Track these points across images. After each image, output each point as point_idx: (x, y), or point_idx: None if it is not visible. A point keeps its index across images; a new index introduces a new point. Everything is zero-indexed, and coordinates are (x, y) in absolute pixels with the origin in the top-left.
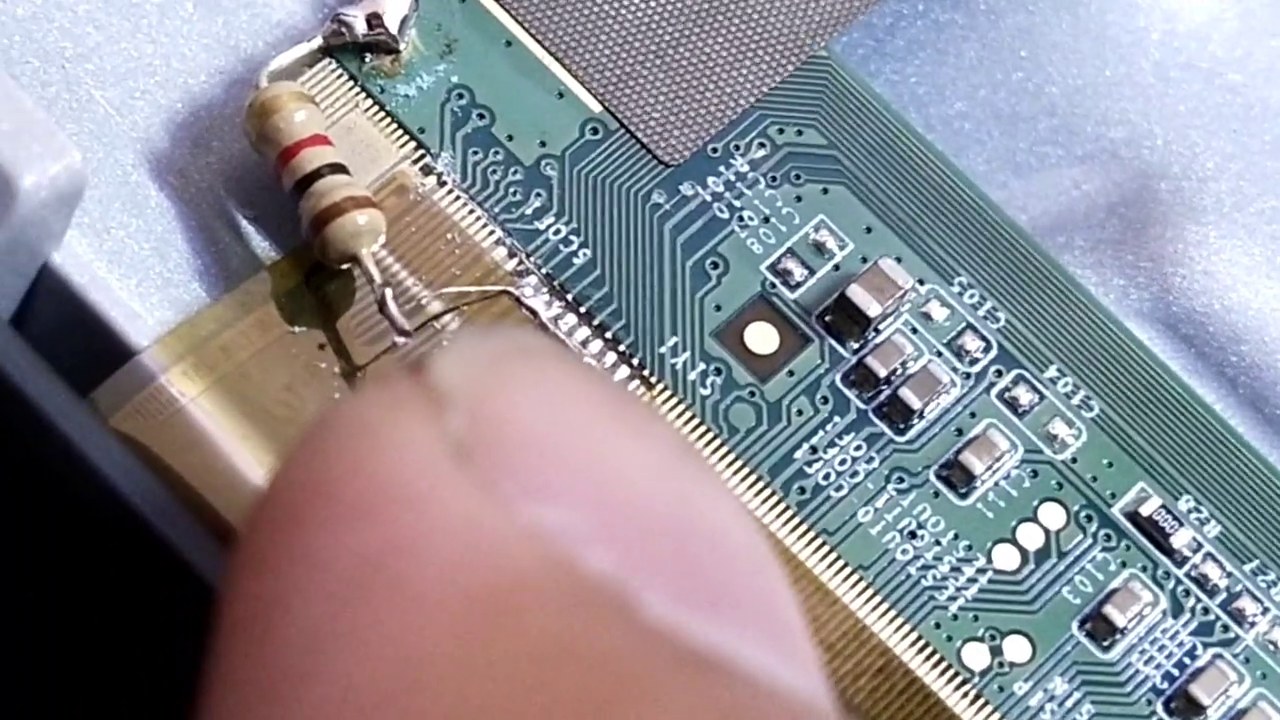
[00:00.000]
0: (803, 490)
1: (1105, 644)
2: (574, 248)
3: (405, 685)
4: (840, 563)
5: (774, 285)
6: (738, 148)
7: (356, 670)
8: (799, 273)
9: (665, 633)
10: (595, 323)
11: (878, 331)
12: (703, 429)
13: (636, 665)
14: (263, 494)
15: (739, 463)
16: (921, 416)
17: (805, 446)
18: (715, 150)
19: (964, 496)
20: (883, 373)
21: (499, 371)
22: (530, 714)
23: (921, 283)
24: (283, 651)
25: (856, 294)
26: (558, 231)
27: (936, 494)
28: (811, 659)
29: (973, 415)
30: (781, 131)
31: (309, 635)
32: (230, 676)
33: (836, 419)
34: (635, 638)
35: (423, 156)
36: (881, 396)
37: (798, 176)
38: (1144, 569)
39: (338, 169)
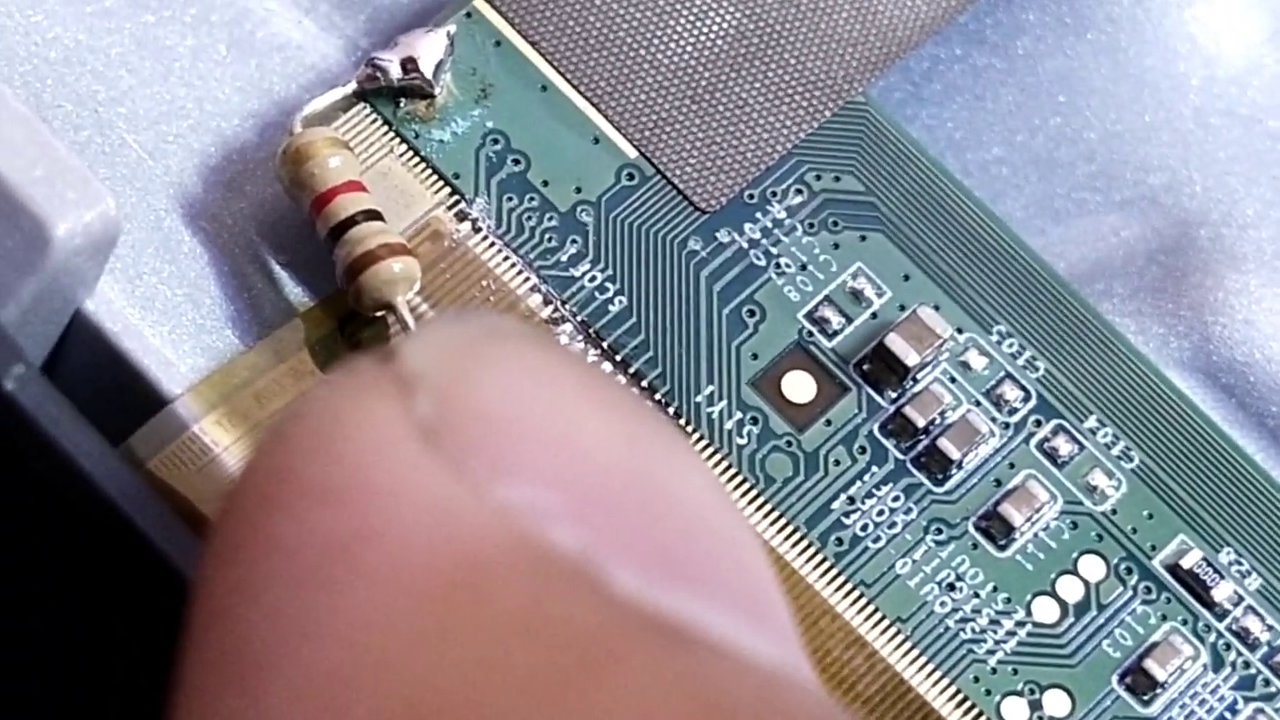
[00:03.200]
0: (840, 541)
1: (1145, 698)
2: (609, 295)
3: (367, 668)
4: (878, 615)
5: (811, 334)
6: (775, 194)
7: (319, 656)
8: (836, 321)
9: (633, 605)
10: (631, 370)
11: (916, 381)
12: (739, 479)
13: (602, 638)
14: (234, 483)
15: (776, 513)
16: (960, 467)
17: (843, 497)
18: (752, 197)
19: (1003, 548)
20: (921, 422)
21: (468, 353)
22: (491, 690)
23: (960, 331)
24: (248, 640)
25: (895, 343)
26: (593, 278)
27: (975, 545)
28: (786, 627)
29: (1012, 466)
30: (819, 178)
31: (273, 622)
32: (198, 667)
33: (874, 469)
34: (602, 611)
35: (458, 202)
36: (920, 446)
37: (835, 223)
38: (1184, 622)
39: (372, 215)
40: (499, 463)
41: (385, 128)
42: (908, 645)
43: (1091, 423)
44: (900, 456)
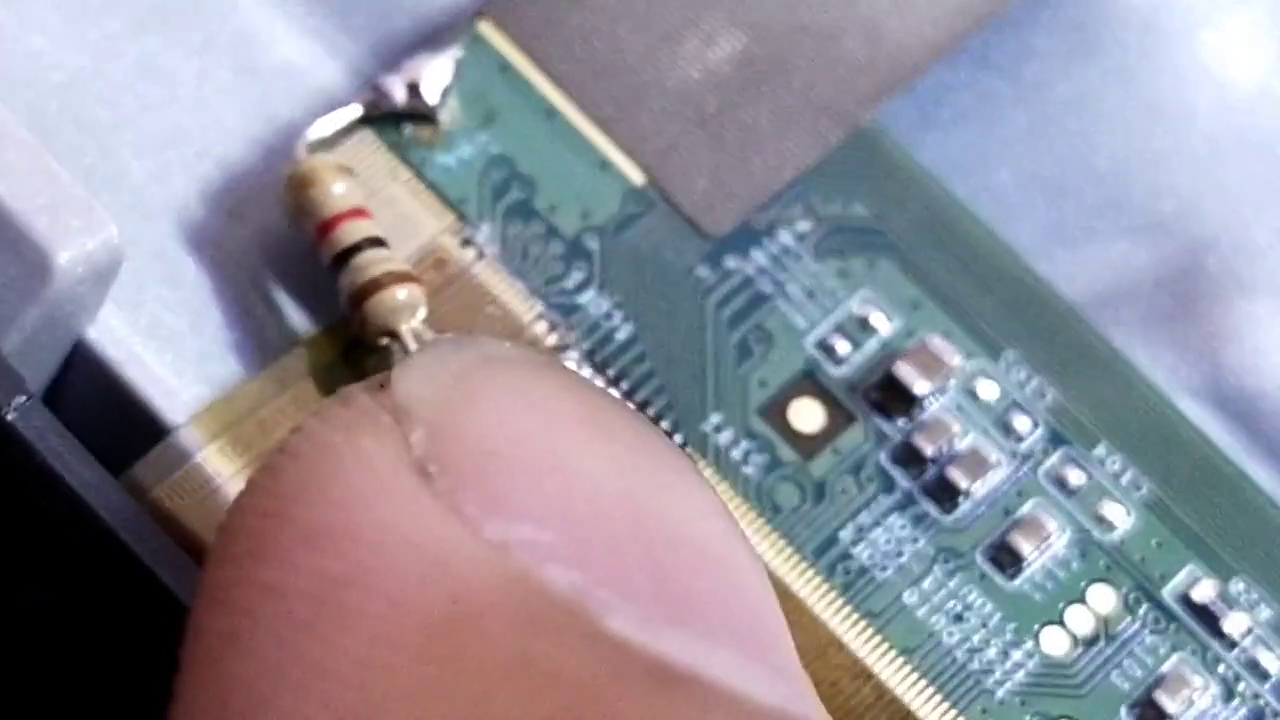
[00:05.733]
0: (847, 571)
1: None
2: (616, 322)
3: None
4: (885, 646)
5: (819, 361)
6: (782, 220)
7: (307, 706)
8: (844, 348)
9: (626, 648)
10: (637, 398)
11: (924, 409)
12: (746, 508)
13: (591, 684)
14: (225, 520)
15: (782, 542)
16: (968, 496)
17: (850, 526)
18: (760, 223)
19: (1011, 578)
20: (929, 451)
21: (462, 383)
22: None
23: (969, 359)
24: (235, 688)
25: (903, 371)
26: (599, 305)
27: (983, 575)
28: (789, 661)
29: (1020, 495)
30: (827, 204)
31: (261, 671)
32: (187, 713)
33: (882, 498)
34: (593, 655)
35: (463, 228)
36: (928, 475)
37: (843, 250)
38: (1194, 653)
39: (377, 243)
40: (493, 500)
41: (390, 153)
42: (915, 676)
43: (1101, 451)
44: (908, 485)
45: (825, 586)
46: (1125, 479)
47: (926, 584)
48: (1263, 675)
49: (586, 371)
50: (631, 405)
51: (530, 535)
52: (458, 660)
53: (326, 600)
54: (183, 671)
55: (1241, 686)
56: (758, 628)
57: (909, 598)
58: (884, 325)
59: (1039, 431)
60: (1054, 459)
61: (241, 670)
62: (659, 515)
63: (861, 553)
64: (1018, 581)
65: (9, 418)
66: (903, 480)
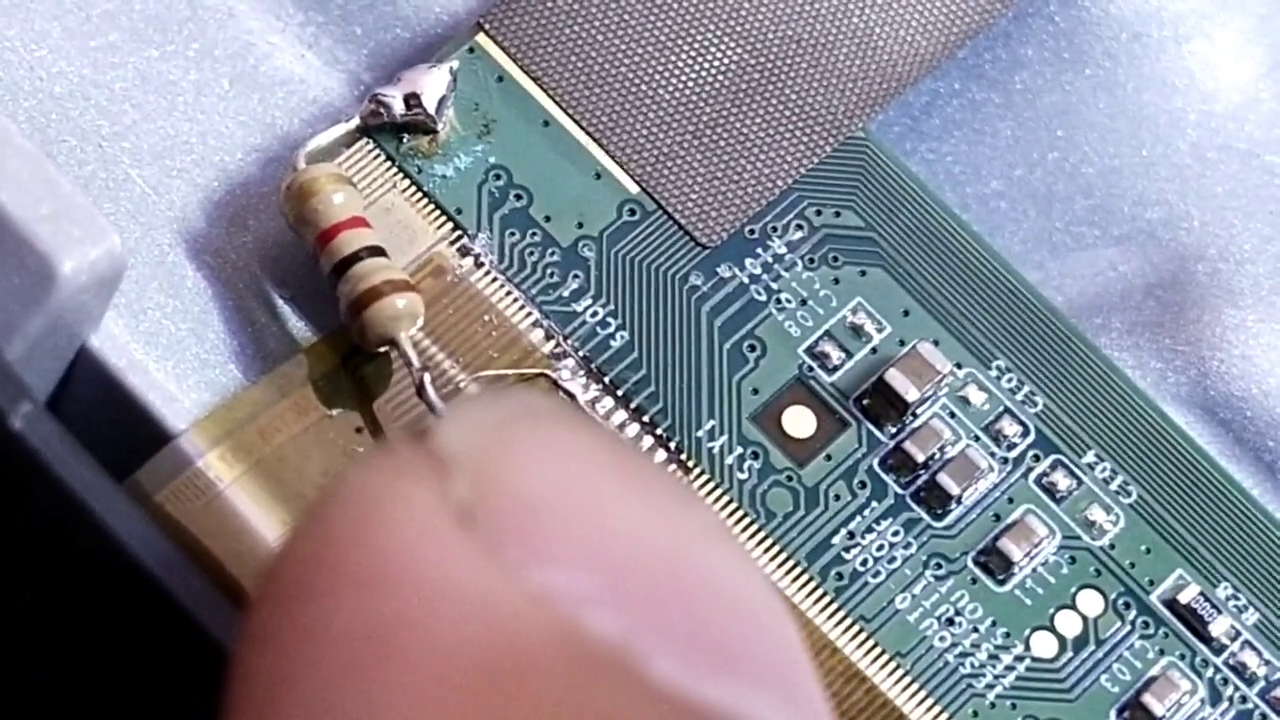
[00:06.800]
0: (840, 576)
1: None
2: (611, 330)
3: None
4: (878, 650)
5: (811, 368)
6: (775, 229)
7: None
8: (836, 356)
9: (674, 694)
10: (632, 406)
11: (915, 416)
12: (740, 513)
13: None
14: (270, 565)
15: (776, 548)
16: (959, 502)
17: (843, 532)
18: (753, 232)
19: (1002, 583)
20: (921, 457)
21: (503, 435)
22: None
23: (959, 366)
24: None
25: (895, 378)
26: (595, 314)
27: (974, 580)
28: (823, 710)
29: (1010, 501)
30: (819, 213)
31: (312, 712)
32: None
33: (874, 504)
34: (642, 703)
35: (460, 237)
36: (919, 481)
37: (835, 259)
38: (1182, 657)
39: (376, 252)
40: (536, 548)
41: (388, 163)
42: (907, 680)
43: (1089, 458)
44: (900, 491)
45: (818, 591)
46: (1114, 485)
47: (918, 588)
48: (1250, 679)
49: (582, 378)
50: (626, 412)
51: (573, 583)
52: (507, 704)
53: (375, 643)
54: (230, 711)
55: (1229, 690)
56: (792, 675)
57: (900, 602)
58: (875, 333)
59: (1029, 438)
60: (1043, 465)
61: (292, 710)
62: (695, 564)
63: (854, 558)
64: (1008, 586)
65: (15, 426)
66: (894, 486)
